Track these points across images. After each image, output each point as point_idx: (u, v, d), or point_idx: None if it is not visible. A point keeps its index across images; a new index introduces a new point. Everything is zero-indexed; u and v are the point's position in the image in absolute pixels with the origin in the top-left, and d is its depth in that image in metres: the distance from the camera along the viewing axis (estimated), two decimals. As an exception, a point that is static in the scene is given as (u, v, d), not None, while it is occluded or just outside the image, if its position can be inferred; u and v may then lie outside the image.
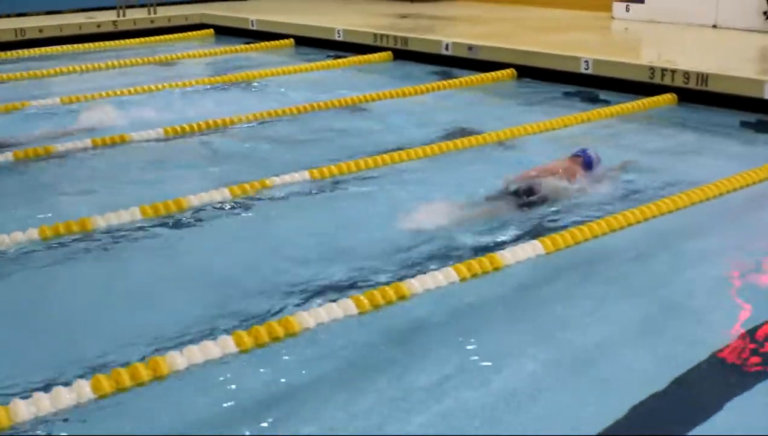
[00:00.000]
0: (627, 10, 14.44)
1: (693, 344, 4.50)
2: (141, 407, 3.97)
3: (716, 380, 4.32)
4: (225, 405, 3.97)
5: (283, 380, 4.19)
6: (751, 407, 4.01)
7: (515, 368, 4.31)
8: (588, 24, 14.03)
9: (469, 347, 4.48)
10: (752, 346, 4.54)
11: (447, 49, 12.10)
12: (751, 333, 4.65)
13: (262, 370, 4.27)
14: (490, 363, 4.33)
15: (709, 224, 6.39)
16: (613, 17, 14.57)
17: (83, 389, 3.93)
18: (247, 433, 3.77)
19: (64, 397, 3.87)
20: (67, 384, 3.98)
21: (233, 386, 4.13)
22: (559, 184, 6.52)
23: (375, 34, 13.10)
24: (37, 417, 3.78)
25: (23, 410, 3.76)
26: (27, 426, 3.75)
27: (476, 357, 4.39)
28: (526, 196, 6.41)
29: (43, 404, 3.83)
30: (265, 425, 3.84)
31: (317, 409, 3.92)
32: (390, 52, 12.73)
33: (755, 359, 4.43)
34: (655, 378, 4.14)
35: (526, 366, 4.31)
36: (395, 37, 12.79)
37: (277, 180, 6.97)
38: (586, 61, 10.57)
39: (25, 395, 3.91)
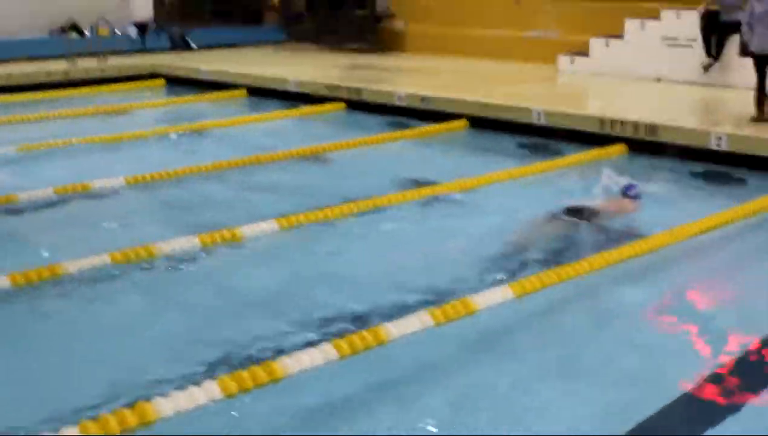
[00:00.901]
0: (572, 62, 14.80)
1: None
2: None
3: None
4: None
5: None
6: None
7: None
8: (534, 76, 14.36)
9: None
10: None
11: (400, 99, 12.30)
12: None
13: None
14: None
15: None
16: (558, 70, 14.92)
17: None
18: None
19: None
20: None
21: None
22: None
23: (328, 85, 13.27)
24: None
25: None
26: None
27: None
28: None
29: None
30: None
31: None
32: (343, 103, 12.89)
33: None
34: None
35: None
36: (348, 88, 12.99)
37: (246, 230, 7.00)
38: (538, 113, 10.82)
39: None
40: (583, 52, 14.71)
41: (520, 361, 5.10)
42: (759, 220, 7.67)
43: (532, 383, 4.82)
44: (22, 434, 4.10)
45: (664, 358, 5.16)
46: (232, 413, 4.38)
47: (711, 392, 4.68)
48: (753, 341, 5.31)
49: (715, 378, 4.83)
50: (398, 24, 18.62)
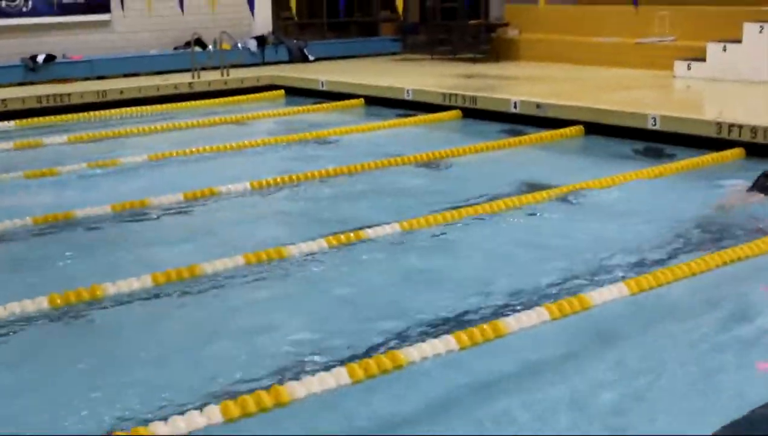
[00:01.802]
0: (689, 68, 14.72)
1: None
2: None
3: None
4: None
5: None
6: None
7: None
8: (650, 82, 14.33)
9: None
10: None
11: (515, 107, 12.46)
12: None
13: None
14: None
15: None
16: (674, 76, 14.85)
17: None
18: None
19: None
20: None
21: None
22: None
23: (444, 94, 13.52)
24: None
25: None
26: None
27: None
28: None
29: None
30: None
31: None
32: (459, 111, 13.12)
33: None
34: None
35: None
36: (464, 96, 13.20)
37: (369, 232, 7.28)
38: (653, 118, 10.86)
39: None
40: (700, 57, 14.61)
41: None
42: None
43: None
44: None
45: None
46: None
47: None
48: None
49: None
50: (512, 32, 18.76)
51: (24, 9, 16.86)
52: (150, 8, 17.50)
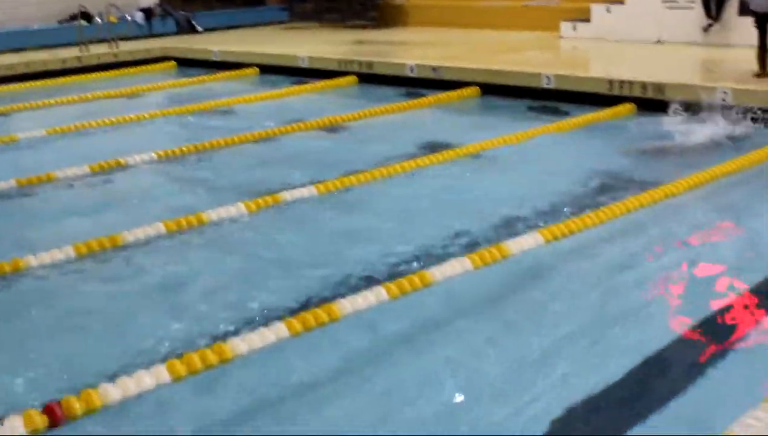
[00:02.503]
0: (574, 29, 15.15)
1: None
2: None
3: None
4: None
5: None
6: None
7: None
8: (538, 44, 14.69)
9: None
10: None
11: (412, 71, 12.65)
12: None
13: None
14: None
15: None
16: (561, 36, 15.26)
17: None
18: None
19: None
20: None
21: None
22: None
23: (339, 60, 13.61)
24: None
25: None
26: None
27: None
28: None
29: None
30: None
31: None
32: (355, 76, 13.23)
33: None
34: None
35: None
36: (359, 62, 13.32)
37: (286, 195, 7.37)
38: (547, 77, 11.18)
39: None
40: (585, 18, 15.04)
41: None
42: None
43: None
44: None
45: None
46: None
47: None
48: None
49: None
50: (398, -1, 18.97)
51: None
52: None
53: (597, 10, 14.91)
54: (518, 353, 4.76)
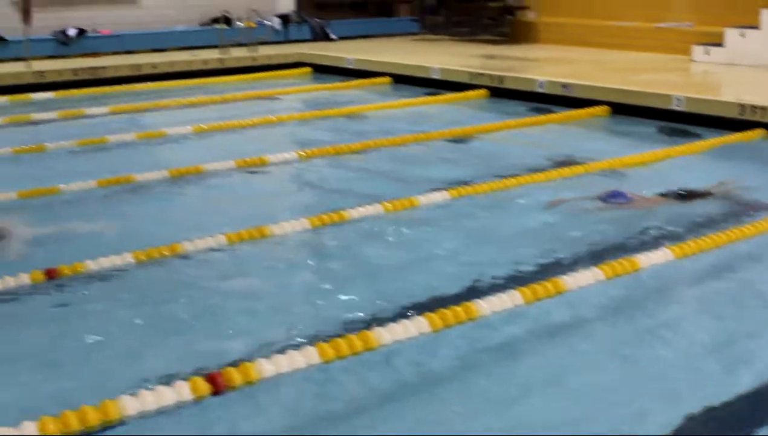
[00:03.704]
0: (707, 53, 15.13)
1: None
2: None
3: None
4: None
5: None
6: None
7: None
8: (670, 66, 14.73)
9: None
10: None
11: (542, 87, 12.88)
12: None
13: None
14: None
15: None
16: (693, 60, 15.26)
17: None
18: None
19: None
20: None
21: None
22: None
23: (471, 73, 13.93)
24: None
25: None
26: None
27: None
28: None
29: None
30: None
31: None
32: (486, 90, 13.52)
33: None
34: None
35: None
36: (491, 76, 13.60)
37: (422, 199, 7.73)
38: (678, 99, 11.29)
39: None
40: (718, 42, 15.02)
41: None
42: None
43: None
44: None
45: None
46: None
47: None
48: None
49: None
50: (531, 15, 19.18)
51: (55, -17, 17.24)
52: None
53: (731, 35, 14.88)
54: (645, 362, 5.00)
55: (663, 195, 7.90)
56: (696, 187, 8.10)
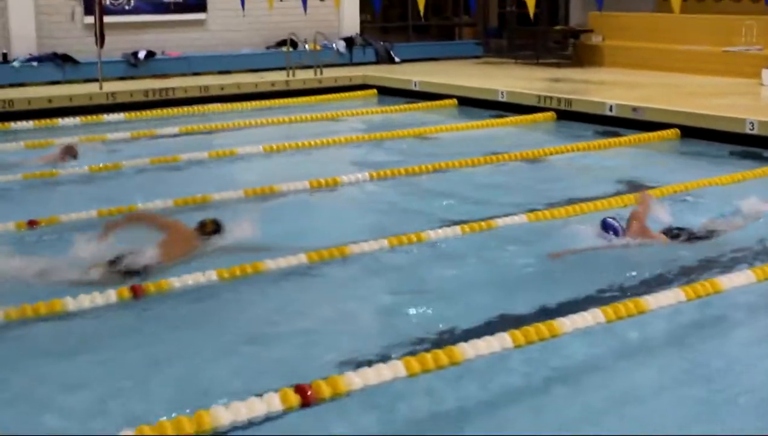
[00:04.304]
0: (776, 77, 14.99)
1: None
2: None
3: None
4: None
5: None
6: None
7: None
8: (738, 90, 14.56)
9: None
10: None
11: (611, 110, 12.83)
12: None
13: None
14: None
15: None
16: (762, 84, 15.10)
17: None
18: None
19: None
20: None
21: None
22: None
23: (538, 96, 13.92)
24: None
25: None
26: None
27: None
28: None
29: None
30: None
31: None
32: (553, 113, 13.51)
33: None
34: None
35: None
36: (558, 99, 13.59)
37: (500, 221, 7.73)
38: (751, 123, 11.18)
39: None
40: (788, 66, 14.89)
41: None
42: None
43: None
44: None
45: None
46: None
47: None
48: None
49: None
50: (596, 39, 19.13)
51: (126, 7, 17.57)
52: (243, 9, 17.99)
53: (801, 59, 14.73)
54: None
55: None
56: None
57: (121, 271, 6.34)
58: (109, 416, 4.58)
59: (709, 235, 7.25)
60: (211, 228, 6.95)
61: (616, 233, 7.02)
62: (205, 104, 14.96)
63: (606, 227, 7.08)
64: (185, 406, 4.41)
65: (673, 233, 7.18)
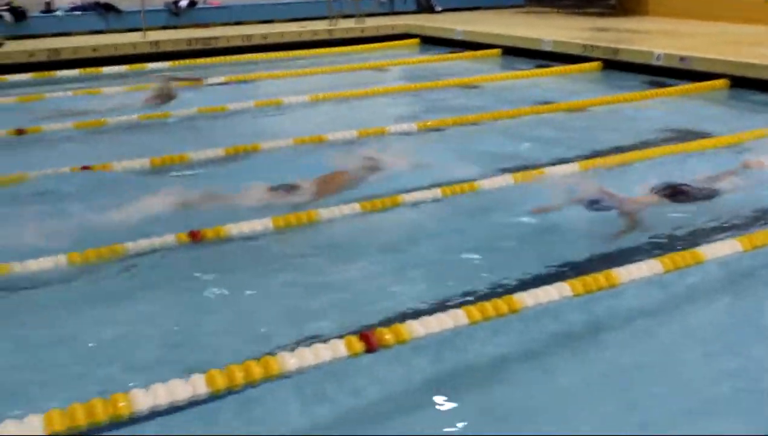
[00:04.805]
0: (825, 26, 14.75)
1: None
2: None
3: None
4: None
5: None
6: None
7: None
8: (788, 39, 14.38)
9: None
10: None
11: (658, 59, 12.69)
12: None
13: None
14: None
15: None
16: (810, 33, 14.89)
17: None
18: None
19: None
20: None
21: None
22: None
23: (584, 45, 13.78)
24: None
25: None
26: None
27: None
28: None
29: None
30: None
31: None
32: (599, 62, 13.38)
33: None
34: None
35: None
36: (605, 48, 13.45)
37: (547, 170, 7.72)
38: (802, 72, 11.05)
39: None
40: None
41: None
42: None
43: None
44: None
45: None
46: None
47: None
48: None
49: None
50: (640, -13, 18.91)
51: (168, -45, 17.55)
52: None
53: None
54: None
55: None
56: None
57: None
58: (176, 359, 4.67)
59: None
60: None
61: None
62: (248, 53, 14.95)
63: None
64: (248, 352, 4.47)
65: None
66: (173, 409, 4.04)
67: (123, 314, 5.24)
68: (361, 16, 16.94)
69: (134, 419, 3.95)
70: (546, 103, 10.97)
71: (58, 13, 16.24)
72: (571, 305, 5.11)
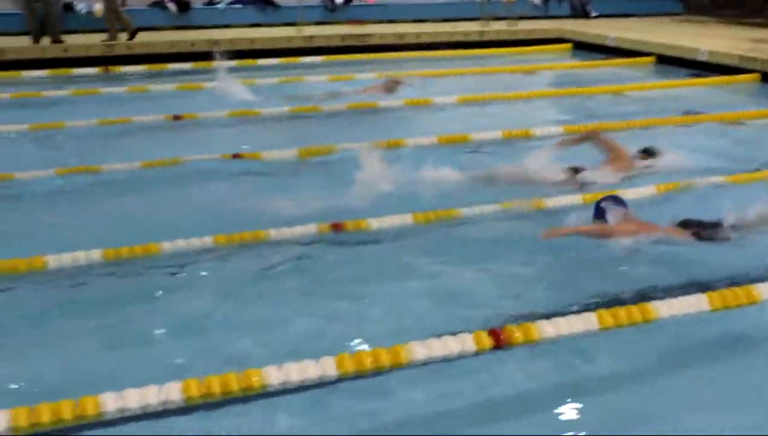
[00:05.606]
0: None
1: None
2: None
3: None
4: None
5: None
6: None
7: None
8: None
9: None
10: None
11: (821, 73, 12.26)
12: None
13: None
14: None
15: None
16: None
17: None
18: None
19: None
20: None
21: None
22: None
23: (741, 56, 13.41)
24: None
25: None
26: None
27: None
28: None
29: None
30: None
31: None
32: (758, 74, 13.00)
33: None
34: None
35: None
36: (764, 60, 13.06)
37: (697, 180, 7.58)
38: None
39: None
40: None
41: None
42: None
43: None
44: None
45: None
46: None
47: None
48: None
49: None
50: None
51: (328, -47, 17.92)
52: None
53: None
54: None
55: None
56: None
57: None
58: (325, 340, 4.85)
59: None
60: (650, 154, 7.93)
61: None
62: (400, 51, 15.15)
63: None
64: (376, 341, 4.58)
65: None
66: (323, 383, 4.22)
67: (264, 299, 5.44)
68: (513, 19, 16.92)
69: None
70: (698, 113, 10.72)
71: (219, 5, 16.80)
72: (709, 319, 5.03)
